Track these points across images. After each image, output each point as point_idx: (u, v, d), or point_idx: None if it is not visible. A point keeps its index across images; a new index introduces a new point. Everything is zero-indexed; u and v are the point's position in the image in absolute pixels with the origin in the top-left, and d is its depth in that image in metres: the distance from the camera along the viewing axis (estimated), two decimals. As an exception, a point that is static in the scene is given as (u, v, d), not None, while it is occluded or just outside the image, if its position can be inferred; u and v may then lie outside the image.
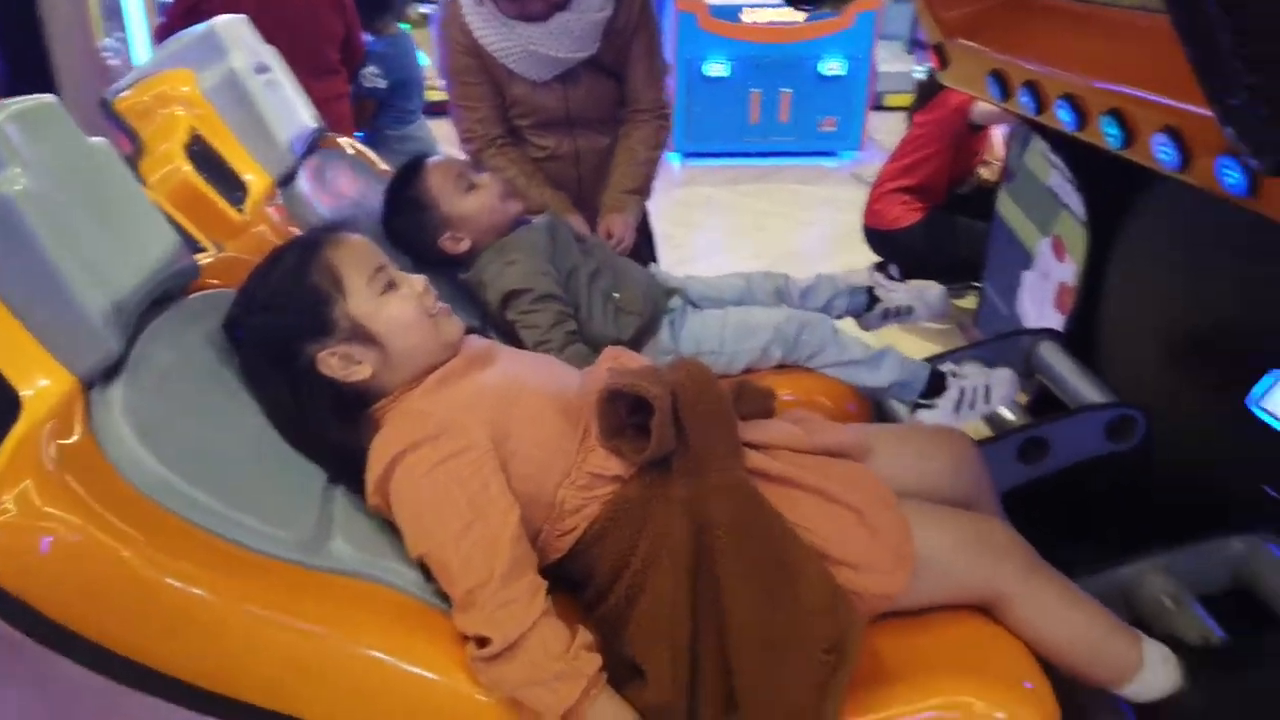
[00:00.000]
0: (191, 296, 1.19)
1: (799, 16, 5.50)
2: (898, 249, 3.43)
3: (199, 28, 1.64)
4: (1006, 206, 2.89)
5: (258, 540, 0.97)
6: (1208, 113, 1.18)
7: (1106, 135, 1.41)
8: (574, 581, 1.17)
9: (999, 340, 2.26)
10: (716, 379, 1.20)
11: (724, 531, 1.08)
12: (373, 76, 3.18)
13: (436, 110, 3.42)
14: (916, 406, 1.78)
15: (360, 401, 1.16)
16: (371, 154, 2.06)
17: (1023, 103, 1.66)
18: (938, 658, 1.16)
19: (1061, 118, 1.53)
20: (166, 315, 1.11)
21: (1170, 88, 1.28)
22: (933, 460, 1.33)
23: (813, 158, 5.90)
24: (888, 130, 5.65)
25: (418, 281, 1.20)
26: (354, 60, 3.02)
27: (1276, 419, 1.50)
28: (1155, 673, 1.17)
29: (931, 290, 2.09)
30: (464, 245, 1.77)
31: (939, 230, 3.35)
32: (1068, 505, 1.89)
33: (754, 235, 4.65)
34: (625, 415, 1.13)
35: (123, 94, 1.54)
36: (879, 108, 6.08)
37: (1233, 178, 1.16)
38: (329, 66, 2.53)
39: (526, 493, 1.10)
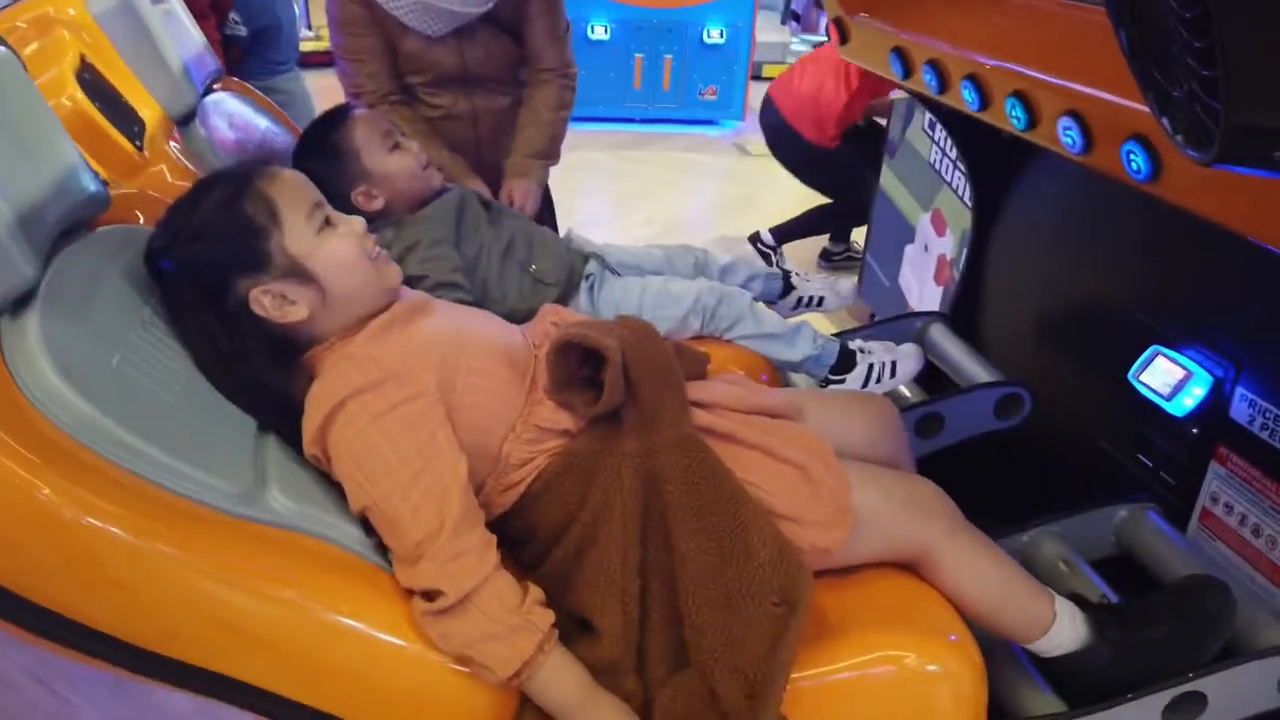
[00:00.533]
0: (100, 229, 1.08)
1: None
2: (813, 164, 3.60)
3: None
4: (889, 181, 2.99)
5: (195, 489, 0.91)
6: (1113, 98, 1.23)
7: (1011, 118, 1.44)
8: (512, 540, 1.14)
9: (891, 322, 2.35)
10: (659, 336, 1.19)
11: (675, 486, 1.08)
12: (233, 24, 3.00)
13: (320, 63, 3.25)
14: (827, 381, 1.83)
15: (294, 346, 1.09)
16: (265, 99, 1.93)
17: (925, 81, 1.69)
18: (871, 614, 1.19)
19: (966, 98, 1.57)
20: (76, 245, 1.02)
21: (1075, 72, 1.32)
22: (855, 420, 1.36)
23: (695, 125, 5.94)
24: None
25: (357, 222, 1.14)
26: (223, 5, 2.85)
27: (1154, 392, 1.61)
28: (1065, 629, 1.23)
29: (843, 282, 2.17)
30: (377, 204, 1.68)
31: (844, 163, 3.53)
32: (964, 476, 1.99)
33: (642, 201, 4.65)
34: (575, 368, 1.11)
35: (-3, 11, 1.39)
36: (757, 78, 6.13)
37: (1137, 164, 1.19)
38: (198, 10, 2.37)
39: (472, 444, 1.07)
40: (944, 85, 1.65)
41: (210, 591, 0.87)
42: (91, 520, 0.83)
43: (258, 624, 0.89)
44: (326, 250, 1.09)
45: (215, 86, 1.73)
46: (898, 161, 2.92)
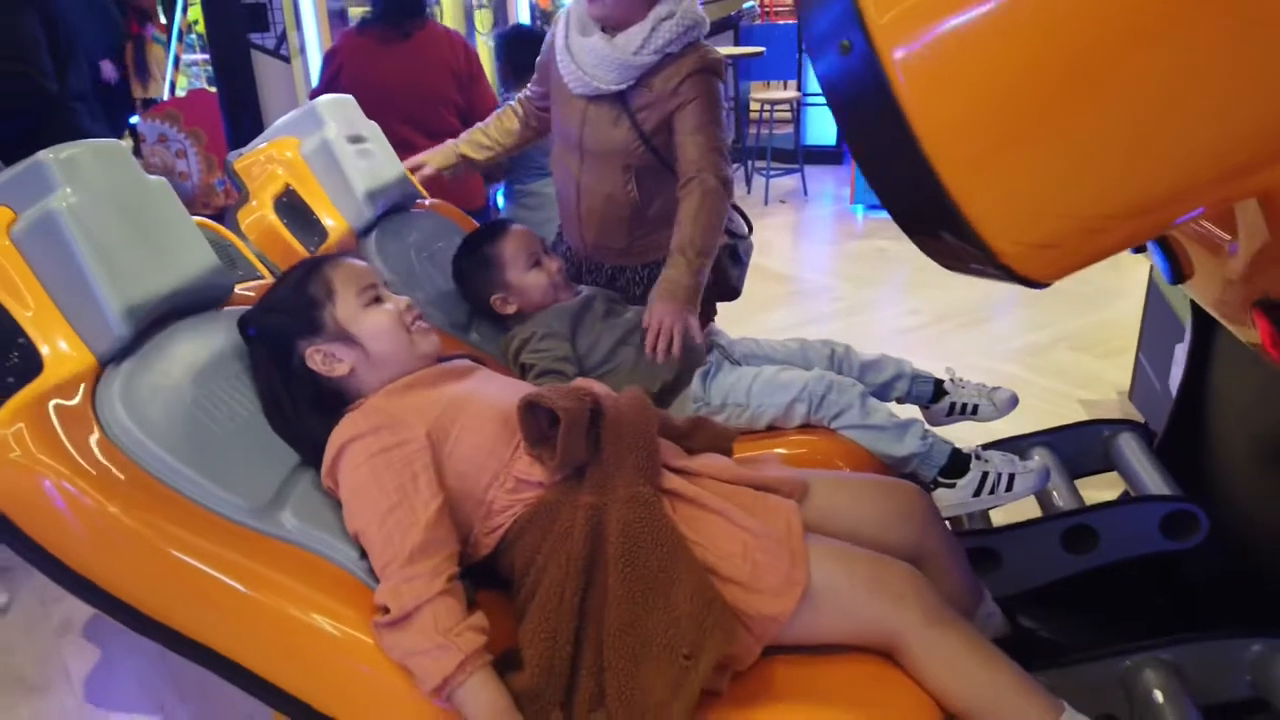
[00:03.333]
0: (227, 309, 1.44)
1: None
2: None
3: (307, 105, 1.96)
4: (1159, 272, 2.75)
5: (214, 501, 1.16)
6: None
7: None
8: (503, 579, 1.29)
9: (1075, 428, 2.18)
10: (650, 407, 1.30)
11: (616, 538, 1.17)
12: None
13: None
14: (936, 483, 1.77)
15: (338, 398, 1.35)
16: (465, 218, 2.31)
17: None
18: (835, 693, 1.19)
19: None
20: (196, 318, 1.36)
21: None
22: (868, 505, 1.36)
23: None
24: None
25: (401, 300, 1.40)
26: None
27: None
28: None
29: (1001, 391, 2.06)
30: (510, 309, 1.96)
31: None
32: (1108, 588, 1.80)
33: (918, 291, 4.59)
34: (547, 427, 1.26)
35: (241, 155, 1.87)
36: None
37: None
38: (449, 130, 2.85)
39: (460, 489, 1.25)
40: None
41: (201, 575, 1.12)
42: (129, 523, 1.10)
43: (238, 605, 1.12)
44: (368, 319, 1.36)
45: (408, 206, 2.12)
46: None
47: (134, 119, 5.74)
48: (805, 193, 6.56)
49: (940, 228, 0.87)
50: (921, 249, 0.97)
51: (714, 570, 1.18)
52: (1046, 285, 0.90)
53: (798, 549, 1.20)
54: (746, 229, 2.30)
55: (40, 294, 1.18)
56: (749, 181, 6.91)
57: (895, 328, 4.11)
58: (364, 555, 1.21)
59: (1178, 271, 1.33)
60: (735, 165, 6.76)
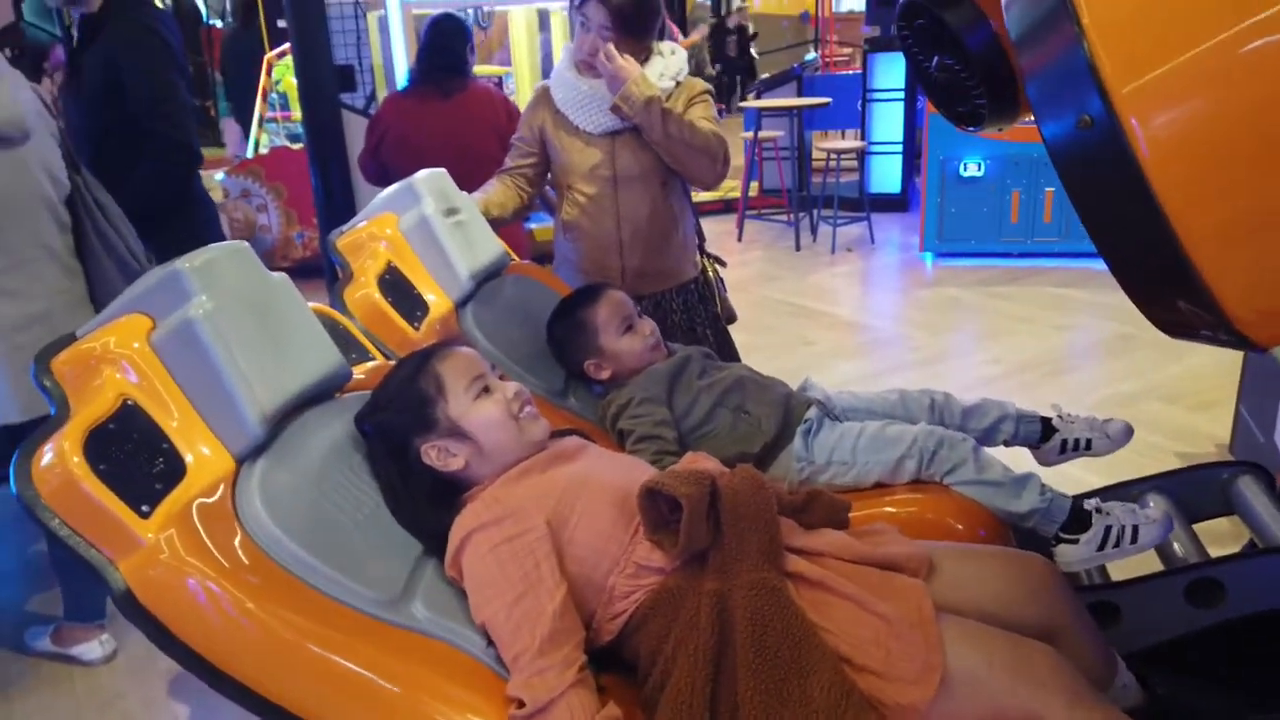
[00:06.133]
0: (345, 396, 1.47)
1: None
2: None
3: (405, 181, 2.01)
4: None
5: (348, 595, 1.19)
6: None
7: None
8: (627, 664, 1.29)
9: (1190, 471, 2.11)
10: (766, 486, 1.30)
11: (744, 626, 1.17)
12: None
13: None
14: (1058, 539, 1.72)
15: (455, 488, 1.38)
16: (553, 278, 2.35)
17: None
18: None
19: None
20: (319, 409, 1.40)
21: None
22: (997, 582, 1.33)
23: (1081, 259, 5.62)
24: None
25: (509, 388, 1.42)
26: None
27: None
28: None
29: (1114, 424, 1.99)
30: (605, 374, 1.98)
31: None
32: (1235, 643, 1.73)
33: (997, 340, 4.53)
34: (667, 512, 1.26)
35: (342, 233, 1.92)
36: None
37: None
38: None
39: (580, 575, 1.26)
40: None
41: (338, 668, 1.14)
42: (270, 621, 1.14)
43: (377, 698, 1.14)
44: (478, 413, 1.38)
45: (500, 271, 2.15)
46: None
47: (219, 175, 5.96)
48: (872, 240, 6.51)
49: (1177, 296, 0.86)
50: (1148, 315, 0.96)
51: (847, 659, 1.17)
52: (1267, 350, 0.89)
53: (932, 633, 1.18)
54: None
55: (181, 400, 1.23)
56: (815, 230, 6.87)
57: (977, 377, 4.05)
58: (491, 643, 1.22)
59: None
60: (800, 214, 6.77)
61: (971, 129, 1.49)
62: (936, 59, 1.42)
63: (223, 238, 2.90)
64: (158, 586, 1.13)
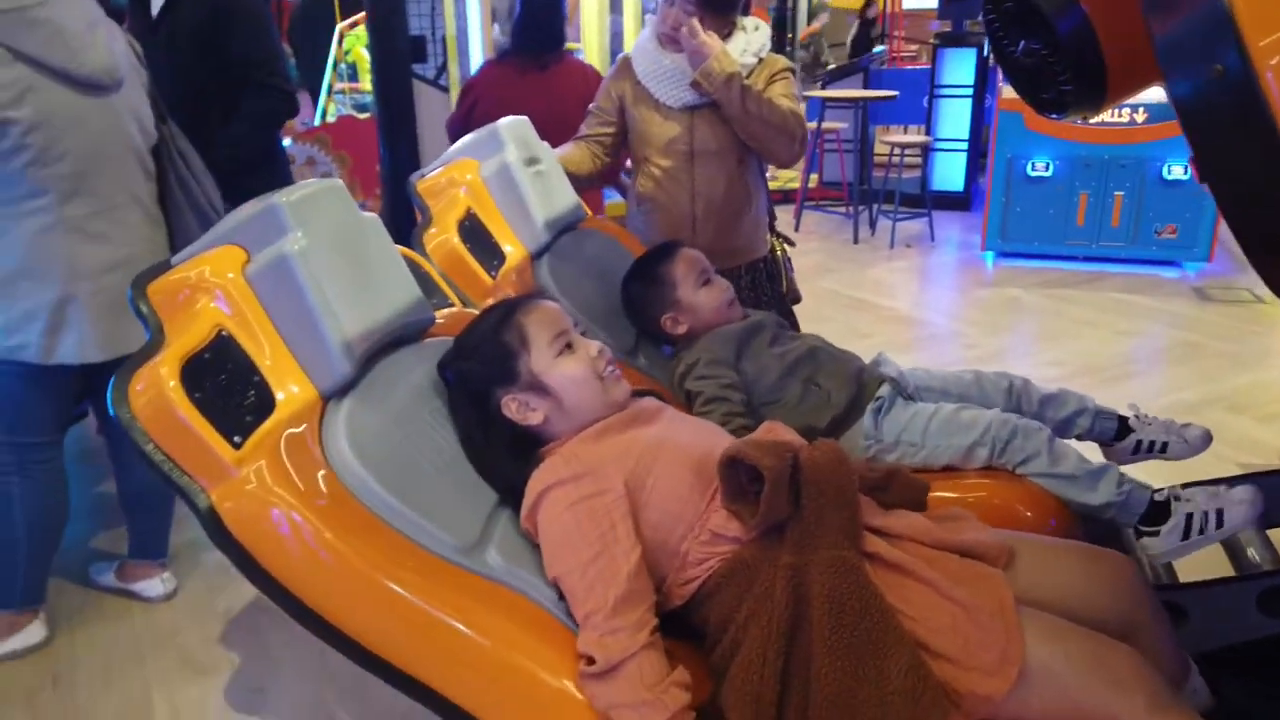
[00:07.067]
0: (427, 340, 1.48)
1: (1138, 117, 5.26)
2: None
3: (488, 127, 2.00)
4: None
5: (426, 538, 1.20)
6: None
7: None
8: (695, 629, 1.28)
9: (1268, 475, 2.05)
10: (848, 462, 1.27)
11: (821, 603, 1.15)
12: None
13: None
14: (1138, 533, 1.68)
15: (533, 442, 1.37)
16: (628, 235, 2.34)
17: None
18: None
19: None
20: (402, 352, 1.41)
21: None
22: (1076, 577, 1.30)
23: (1147, 265, 5.51)
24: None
25: (593, 346, 1.41)
26: None
27: None
28: None
29: (1193, 428, 1.94)
30: (681, 329, 1.97)
31: None
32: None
33: (1058, 341, 4.44)
34: (746, 482, 1.24)
35: (424, 176, 1.92)
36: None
37: None
38: None
39: (654, 539, 1.25)
40: None
41: (413, 608, 1.14)
42: (352, 558, 1.14)
43: (450, 641, 1.15)
44: (562, 370, 1.37)
45: (575, 225, 2.15)
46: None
47: (286, 141, 6.02)
48: (932, 238, 6.44)
49: None
50: (1263, 272, 0.96)
51: (923, 644, 1.15)
52: None
53: (1012, 624, 1.15)
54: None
55: (272, 334, 1.24)
56: (874, 224, 6.80)
57: (1037, 378, 3.91)
58: (562, 597, 1.22)
59: None
60: (860, 208, 6.70)
61: (1054, 115, 1.46)
62: (1023, 43, 1.39)
63: None
64: (245, 515, 1.14)
